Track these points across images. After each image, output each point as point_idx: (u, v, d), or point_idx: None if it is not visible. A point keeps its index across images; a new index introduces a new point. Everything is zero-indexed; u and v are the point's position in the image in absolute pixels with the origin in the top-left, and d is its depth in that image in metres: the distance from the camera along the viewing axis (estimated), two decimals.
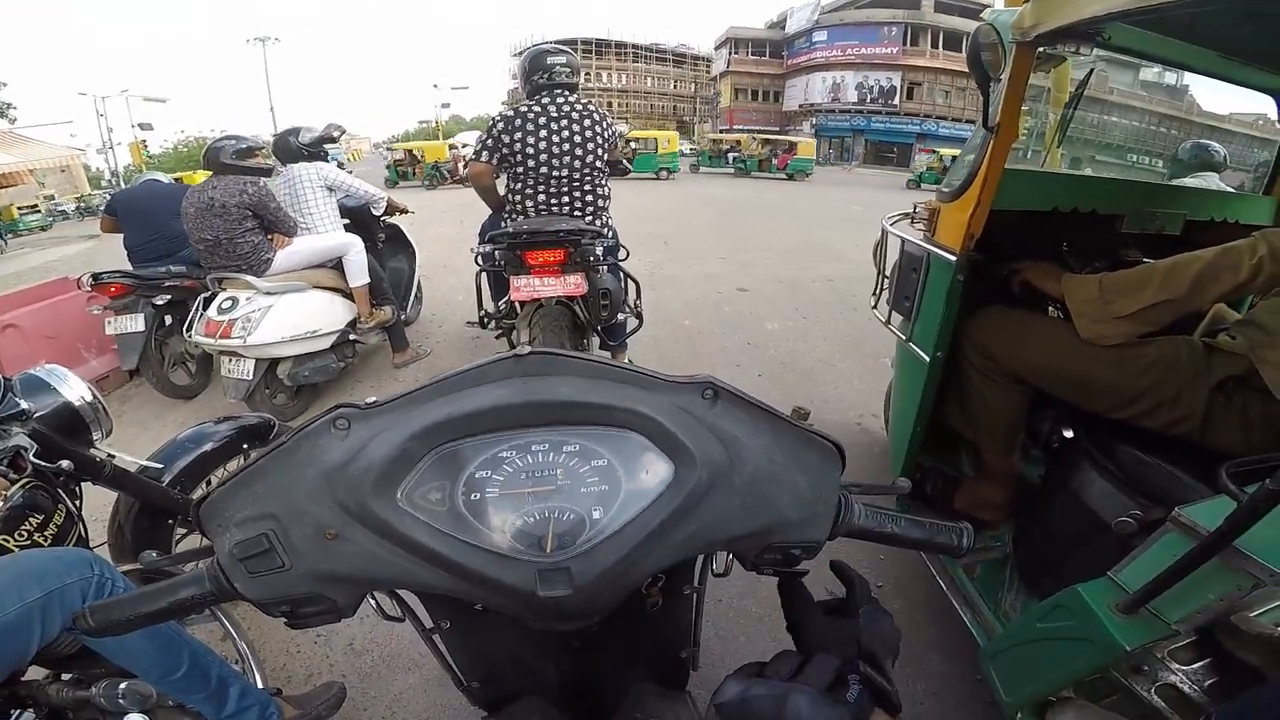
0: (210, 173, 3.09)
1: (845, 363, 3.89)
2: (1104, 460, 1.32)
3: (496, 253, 2.43)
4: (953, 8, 34.61)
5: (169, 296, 3.28)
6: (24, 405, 1.20)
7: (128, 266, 3.39)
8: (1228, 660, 0.84)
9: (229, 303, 2.88)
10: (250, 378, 2.91)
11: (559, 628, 0.49)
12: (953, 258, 1.43)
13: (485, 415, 0.45)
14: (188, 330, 2.98)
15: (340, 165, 4.01)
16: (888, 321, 1.84)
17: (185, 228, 3.02)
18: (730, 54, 45.27)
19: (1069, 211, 1.68)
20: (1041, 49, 1.27)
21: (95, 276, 3.13)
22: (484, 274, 2.59)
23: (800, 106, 42.09)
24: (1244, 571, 0.79)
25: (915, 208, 1.81)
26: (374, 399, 0.45)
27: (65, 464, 1.19)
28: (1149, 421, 1.27)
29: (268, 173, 3.22)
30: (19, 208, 16.40)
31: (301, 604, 0.46)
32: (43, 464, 1.14)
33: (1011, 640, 1.20)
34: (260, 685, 1.39)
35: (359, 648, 1.78)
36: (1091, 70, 2.01)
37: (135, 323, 3.16)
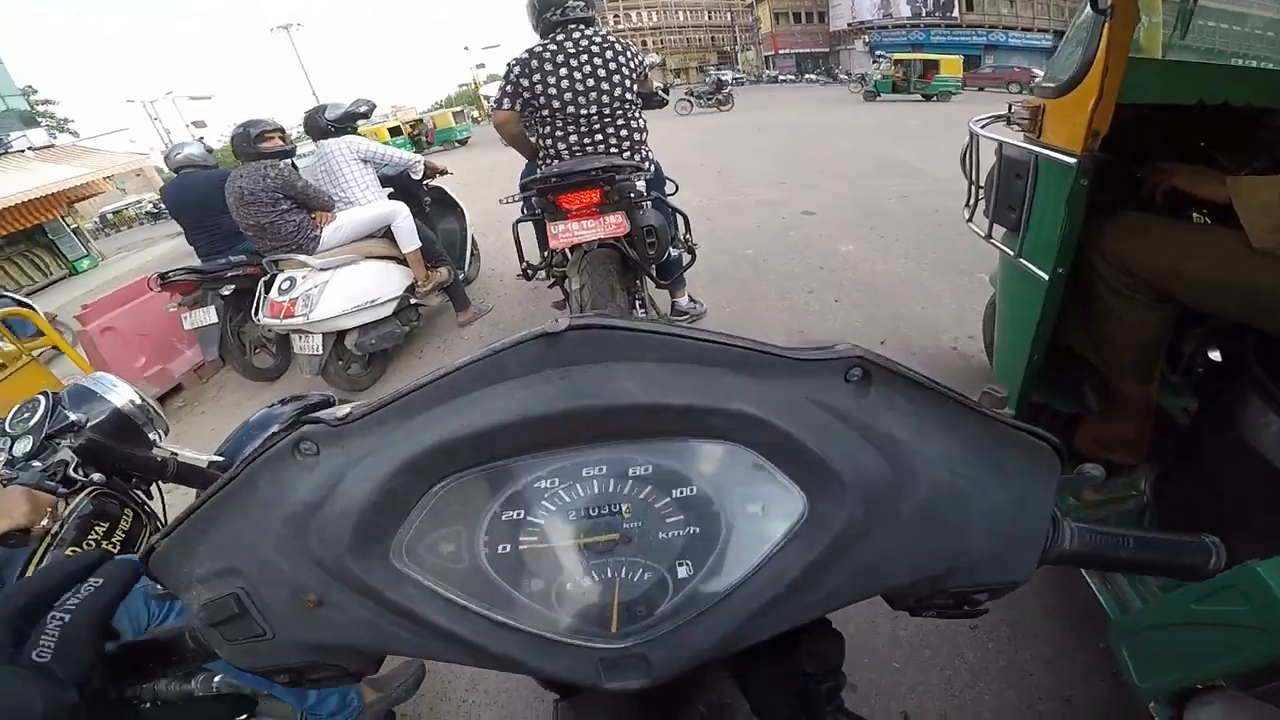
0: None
1: (934, 281, 3.57)
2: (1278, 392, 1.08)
3: (533, 200, 2.32)
4: None
5: (235, 285, 3.40)
6: (73, 417, 1.21)
7: (195, 262, 3.54)
8: None
9: (288, 283, 2.98)
10: (320, 352, 3.03)
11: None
12: (1072, 160, 1.22)
13: (505, 432, 0.31)
14: (255, 314, 3.11)
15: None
16: (989, 235, 1.62)
17: (234, 217, 3.11)
18: None
19: (1216, 105, 1.39)
20: None
21: (162, 277, 3.28)
22: (522, 225, 2.48)
23: (850, 25, 39.14)
24: None
25: (1010, 107, 1.58)
26: (348, 409, 0.33)
27: (97, 477, 1.18)
28: None
29: (289, 153, 3.22)
30: (113, 211, 18.01)
31: (301, 672, 0.37)
32: (84, 478, 1.13)
33: (1155, 620, 1.01)
34: None
35: None
36: None
37: (209, 315, 3.31)
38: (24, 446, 1.17)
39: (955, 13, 34.21)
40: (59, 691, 0.29)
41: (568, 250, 2.49)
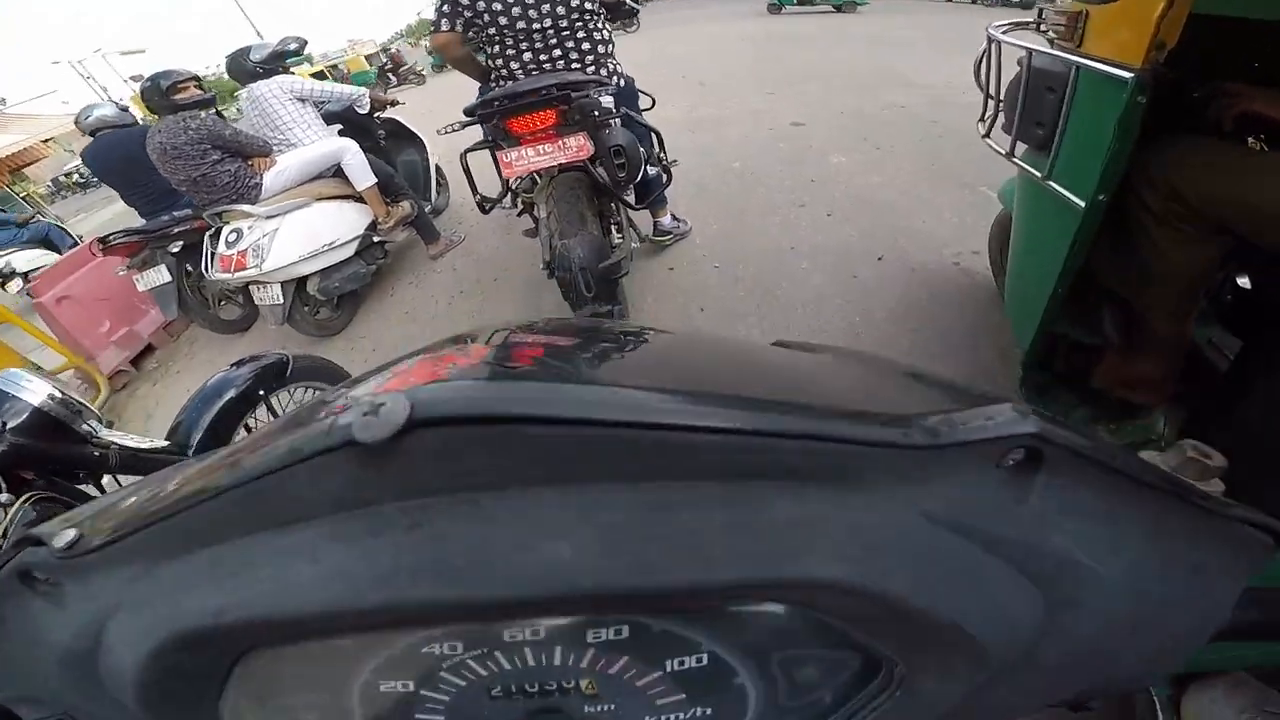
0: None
1: (934, 194, 3.29)
2: None
3: (484, 127, 2.06)
4: None
5: (183, 241, 3.21)
6: None
7: (140, 223, 3.35)
8: None
9: (234, 235, 2.80)
10: (281, 301, 2.90)
11: None
12: (1128, 75, 1.04)
13: (324, 621, 0.19)
14: (205, 270, 2.94)
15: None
16: (1010, 152, 1.46)
17: (162, 173, 2.91)
18: None
19: None
20: None
21: (103, 241, 3.10)
22: (472, 154, 2.22)
23: None
24: None
25: (1041, 12, 1.39)
26: (72, 534, 0.22)
27: (24, 475, 1.13)
28: None
29: (208, 102, 2.98)
30: (64, 174, 17.38)
31: None
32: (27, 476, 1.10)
33: None
34: None
35: None
36: None
37: (161, 275, 3.14)
38: None
39: None
40: None
41: (536, 175, 2.25)
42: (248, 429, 1.66)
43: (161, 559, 0.21)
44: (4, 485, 1.10)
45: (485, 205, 2.29)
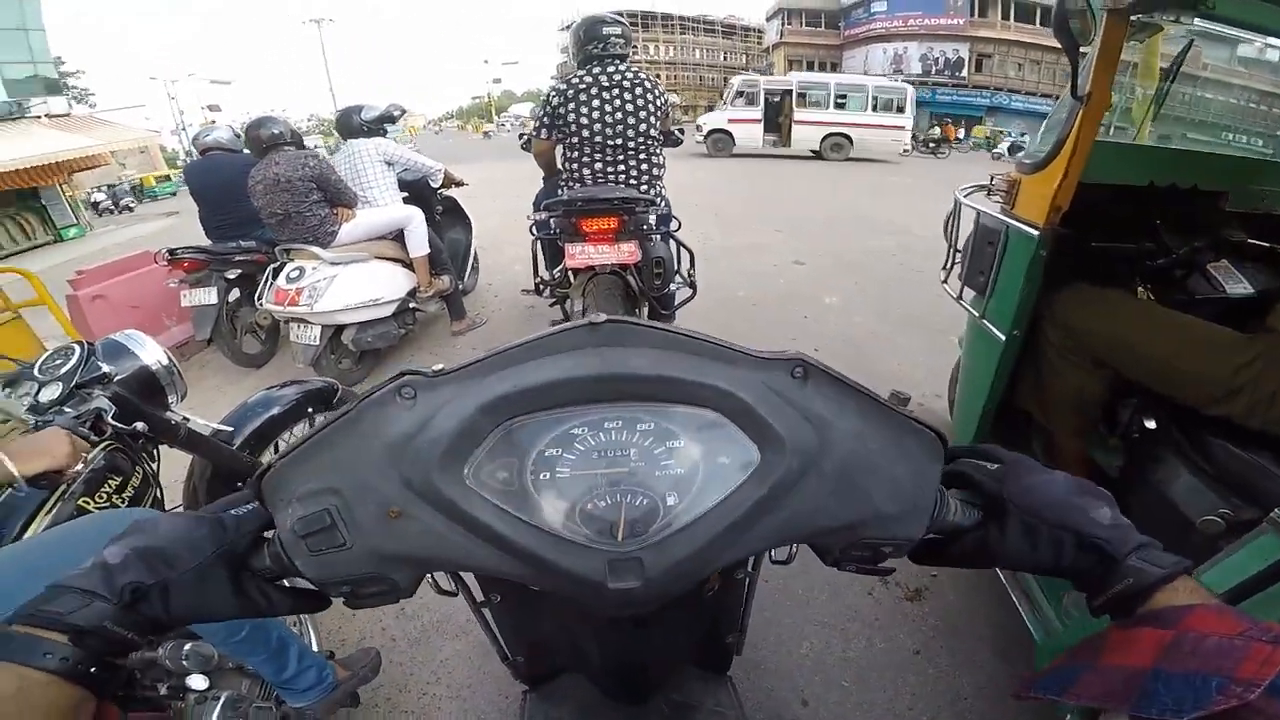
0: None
1: (908, 339, 3.75)
2: (1193, 454, 1.24)
3: (552, 220, 2.44)
4: None
5: (240, 270, 3.43)
6: (105, 369, 1.22)
7: (203, 242, 3.55)
8: None
9: (296, 272, 3.02)
10: (317, 343, 3.05)
11: (619, 614, 0.46)
12: (1035, 232, 1.35)
13: (556, 388, 0.41)
14: (258, 299, 3.13)
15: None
16: (959, 297, 1.76)
17: (255, 204, 3.13)
18: (783, 25, 43.66)
19: (1165, 188, 1.57)
20: (1136, 16, 1.18)
21: (171, 252, 3.30)
22: (539, 242, 2.60)
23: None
24: None
25: (992, 179, 1.71)
26: (440, 366, 0.42)
27: (141, 426, 1.20)
28: (1244, 419, 1.18)
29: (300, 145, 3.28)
30: (105, 185, 17.80)
31: (362, 584, 0.44)
32: (121, 426, 1.15)
33: (1074, 639, 1.13)
34: (315, 648, 1.41)
35: (410, 612, 1.83)
36: (1191, 42, 1.85)
37: (209, 295, 3.32)
38: (51, 393, 1.16)
39: (964, 72, 35.02)
40: (220, 532, 0.42)
41: (571, 274, 2.60)
42: (296, 437, 1.84)
43: (485, 375, 0.41)
44: (118, 426, 1.14)
45: (541, 288, 2.61)
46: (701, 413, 0.42)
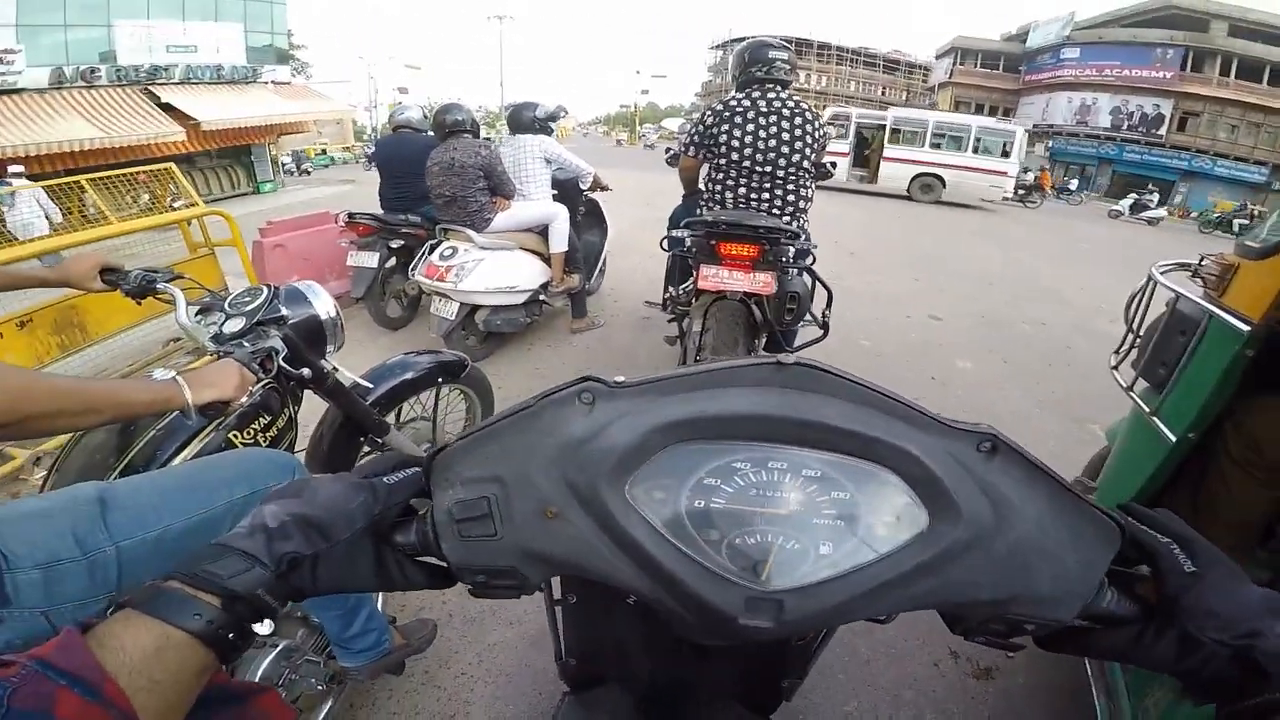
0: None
1: (1044, 421, 3.39)
2: None
3: (689, 239, 2.45)
4: (1254, 33, 28.19)
5: (402, 241, 3.79)
6: (284, 312, 1.28)
7: (377, 210, 3.95)
8: None
9: (450, 251, 3.29)
10: (453, 318, 3.29)
11: (713, 643, 0.45)
12: (1246, 327, 1.17)
13: (737, 422, 0.41)
14: (411, 270, 3.45)
15: None
16: (1130, 388, 1.55)
17: (428, 183, 3.44)
18: (955, 64, 41.32)
19: None
20: None
21: (350, 215, 3.71)
22: (672, 258, 2.61)
23: (1035, 126, 37.06)
24: None
25: (1201, 259, 1.49)
26: (622, 378, 0.42)
27: (305, 371, 1.26)
28: None
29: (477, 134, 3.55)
30: (291, 151, 20.48)
31: (497, 575, 0.45)
32: (288, 368, 1.21)
33: None
34: (381, 610, 1.45)
35: None
36: None
37: (371, 259, 3.68)
38: (234, 326, 1.24)
39: (1162, 130, 31.12)
40: (372, 502, 0.43)
41: (695, 295, 2.59)
42: (421, 403, 1.96)
43: (662, 395, 0.41)
44: (286, 368, 1.21)
45: (668, 304, 2.64)
46: (876, 470, 0.41)
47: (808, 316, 2.66)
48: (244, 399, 1.05)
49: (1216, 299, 1.30)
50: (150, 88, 12.57)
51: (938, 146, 15.33)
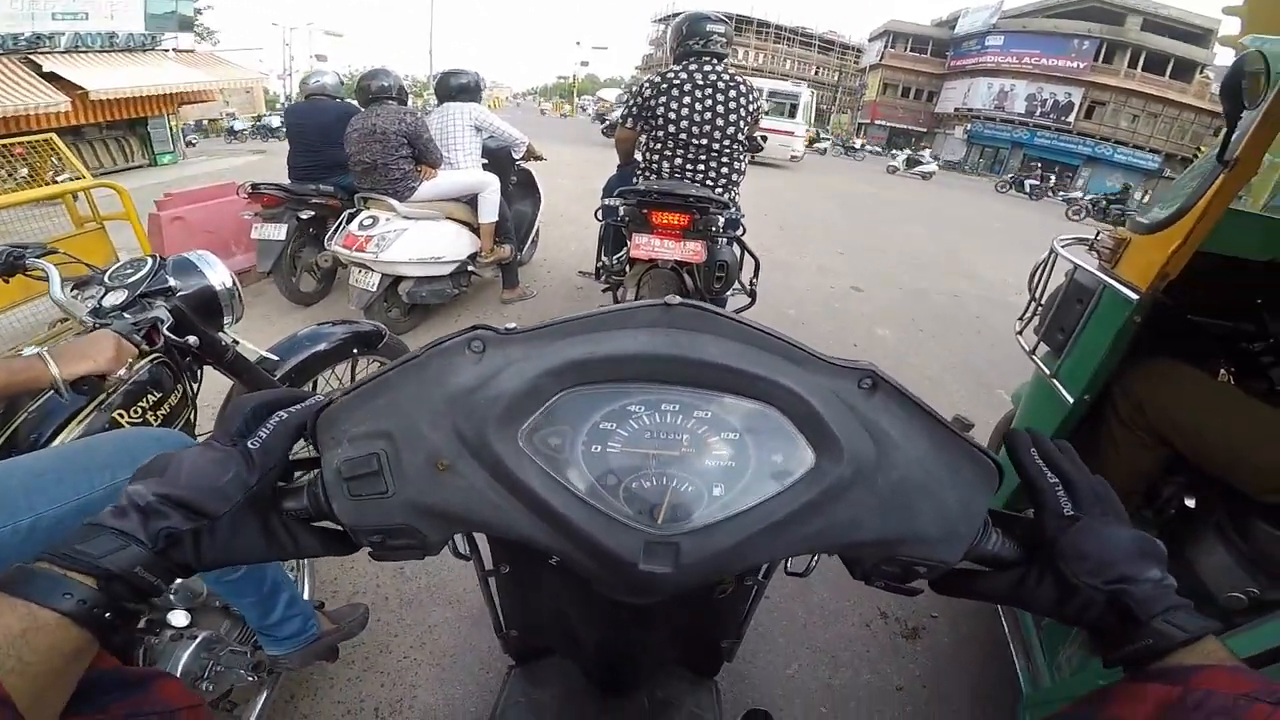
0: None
1: (957, 387, 3.61)
2: (1232, 534, 1.22)
3: (622, 208, 2.43)
4: (1163, 28, 30.49)
5: (313, 212, 3.57)
6: (172, 283, 1.23)
7: (285, 180, 3.70)
8: None
9: (370, 220, 3.13)
10: (374, 289, 3.16)
11: (632, 600, 0.44)
12: (1135, 296, 1.27)
13: (625, 362, 0.41)
14: (328, 241, 3.26)
15: None
16: (1032, 351, 1.67)
17: (347, 150, 3.26)
18: (886, 47, 42.64)
19: None
20: None
21: (254, 186, 3.46)
22: (605, 227, 2.58)
23: (956, 110, 38.89)
24: None
25: (1098, 234, 1.61)
26: (513, 325, 0.42)
27: (192, 340, 1.21)
28: None
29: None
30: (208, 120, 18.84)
31: (394, 535, 0.43)
32: (174, 338, 1.15)
33: (1061, 695, 1.13)
34: (307, 596, 1.39)
35: (408, 573, 1.82)
36: None
37: (278, 231, 3.46)
38: (115, 299, 1.18)
39: (1071, 117, 33.20)
40: (245, 472, 0.40)
41: (628, 263, 2.59)
42: (336, 376, 1.87)
43: (554, 340, 0.41)
44: (172, 338, 1.16)
45: (600, 272, 2.61)
46: (763, 409, 0.41)
47: (736, 285, 2.70)
48: (122, 371, 1.00)
49: (1110, 270, 1.40)
50: (31, 56, 11.33)
51: None
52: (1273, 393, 1.49)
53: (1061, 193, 23.12)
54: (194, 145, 17.53)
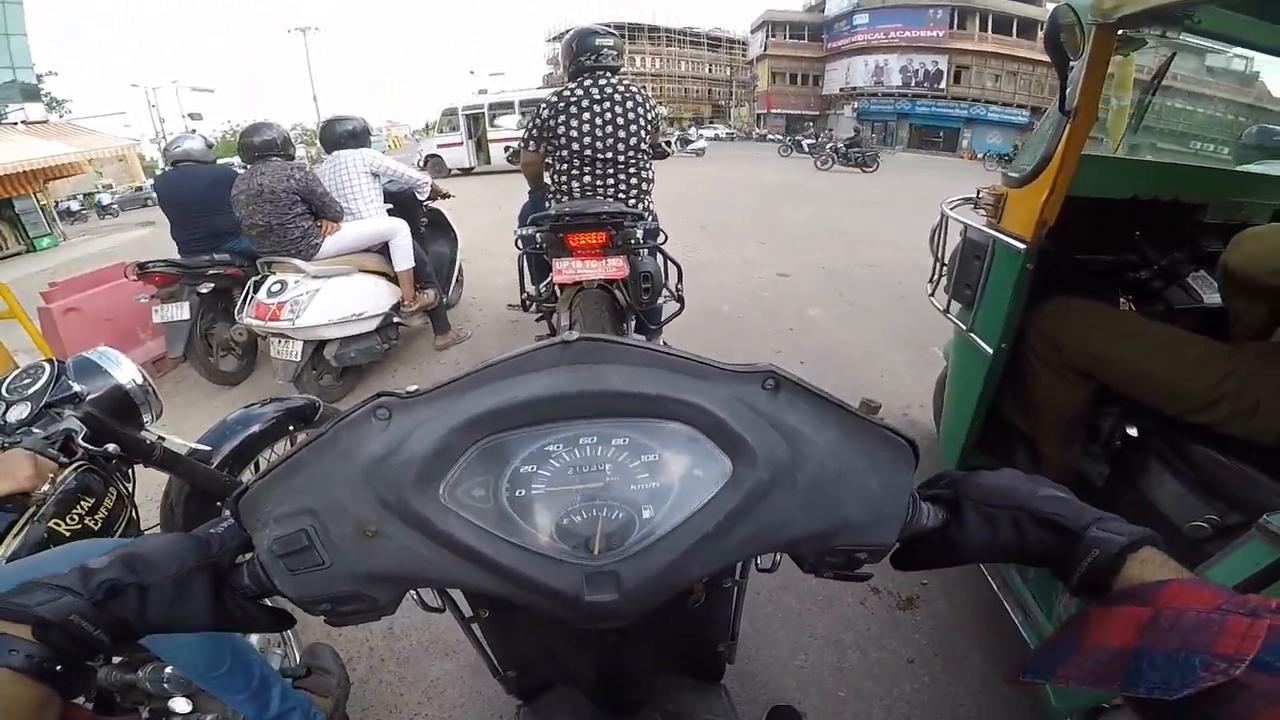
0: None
1: (893, 352, 3.77)
2: (1177, 461, 1.26)
3: (538, 235, 2.41)
4: None
5: (213, 285, 3.35)
6: (77, 388, 1.19)
7: (176, 255, 3.44)
8: None
9: (278, 286, 2.96)
10: (299, 359, 2.99)
11: (599, 626, 0.45)
12: (1022, 246, 1.36)
13: (531, 406, 0.42)
14: (238, 313, 3.07)
15: None
16: (946, 310, 1.76)
17: (237, 214, 3.06)
18: (767, 37, 44.45)
19: (1148, 200, 1.60)
20: (1123, 31, 1.19)
21: (141, 266, 3.20)
22: (525, 257, 2.56)
23: (841, 90, 40.95)
24: None
25: (979, 193, 1.73)
26: (415, 387, 0.43)
27: (113, 447, 1.15)
28: (1224, 428, 1.19)
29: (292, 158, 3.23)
30: (81, 195, 17.49)
31: (341, 602, 0.44)
32: (91, 447, 1.11)
33: None
34: (297, 661, 1.39)
35: (398, 632, 1.79)
36: (1173, 56, 1.91)
37: (181, 311, 3.24)
38: (20, 413, 1.13)
39: (943, 84, 35.59)
40: (202, 546, 0.43)
41: (557, 288, 2.57)
42: (277, 455, 1.79)
43: (459, 395, 0.42)
44: (88, 447, 1.09)
45: (526, 304, 2.58)
46: (675, 427, 0.43)
47: (664, 293, 2.74)
48: (46, 486, 0.99)
49: (996, 225, 1.50)
50: None
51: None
52: (1171, 312, 1.61)
53: (807, 141, 24.85)
54: (85, 220, 16.33)
